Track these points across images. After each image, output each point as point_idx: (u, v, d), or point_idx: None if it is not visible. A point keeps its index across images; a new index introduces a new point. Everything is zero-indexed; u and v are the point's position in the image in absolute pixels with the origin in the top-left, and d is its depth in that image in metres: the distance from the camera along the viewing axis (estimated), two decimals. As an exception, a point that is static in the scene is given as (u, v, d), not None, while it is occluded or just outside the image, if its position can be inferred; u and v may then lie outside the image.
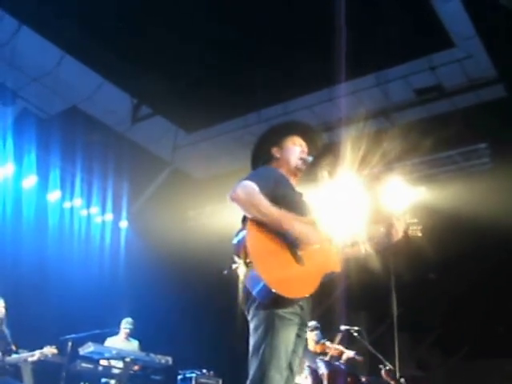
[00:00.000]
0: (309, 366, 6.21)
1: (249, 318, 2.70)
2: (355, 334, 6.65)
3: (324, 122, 8.00)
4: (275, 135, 3.17)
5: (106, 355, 6.51)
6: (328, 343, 6.49)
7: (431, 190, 7.67)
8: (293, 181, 3.06)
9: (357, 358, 6.54)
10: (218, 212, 9.05)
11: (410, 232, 3.21)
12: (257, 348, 2.58)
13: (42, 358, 6.03)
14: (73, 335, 6.46)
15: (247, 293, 2.67)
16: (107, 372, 6.61)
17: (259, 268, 2.54)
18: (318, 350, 6.51)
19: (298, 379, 5.47)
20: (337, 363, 6.44)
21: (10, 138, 7.77)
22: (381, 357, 6.47)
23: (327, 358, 6.42)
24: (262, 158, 3.14)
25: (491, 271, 9.04)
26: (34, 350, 6.09)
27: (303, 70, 6.89)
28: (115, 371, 6.59)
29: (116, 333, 7.58)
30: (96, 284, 8.23)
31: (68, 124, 7.95)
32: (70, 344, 6.30)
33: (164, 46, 6.90)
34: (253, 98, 7.52)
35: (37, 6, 6.47)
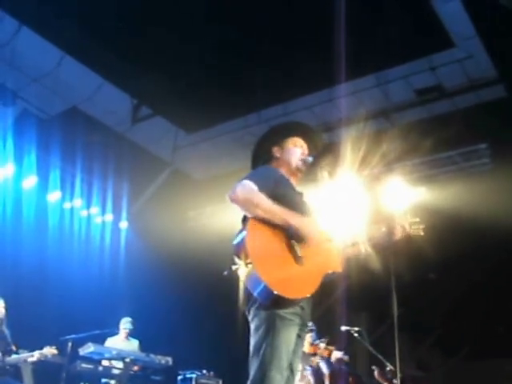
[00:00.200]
0: (311, 367, 6.22)
1: (249, 318, 2.70)
2: (356, 335, 6.65)
3: (324, 123, 7.99)
4: (276, 135, 3.17)
5: (106, 355, 6.52)
6: (322, 344, 6.50)
7: (431, 190, 7.66)
8: (293, 181, 3.06)
9: (344, 358, 6.56)
10: (218, 212, 9.05)
11: (411, 231, 3.21)
12: (257, 348, 2.58)
13: (42, 359, 6.03)
14: (73, 335, 6.45)
15: (248, 294, 2.67)
16: (107, 372, 6.61)
17: (259, 269, 2.54)
18: (311, 351, 6.51)
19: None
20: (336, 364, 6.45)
21: (10, 138, 7.77)
22: (381, 357, 6.47)
23: (318, 359, 6.44)
24: (262, 157, 3.14)
25: (491, 271, 9.05)
26: (34, 350, 6.08)
27: (303, 70, 6.88)
28: (115, 371, 6.60)
29: (116, 333, 7.58)
30: (96, 284, 8.23)
31: (68, 124, 7.95)
32: (70, 344, 6.29)
33: (164, 46, 6.89)
34: (253, 98, 7.52)
35: (37, 7, 6.46)
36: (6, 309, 6.23)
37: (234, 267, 2.75)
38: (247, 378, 2.60)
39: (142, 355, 6.65)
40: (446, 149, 7.73)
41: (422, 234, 3.23)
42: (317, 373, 6.23)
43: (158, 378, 6.97)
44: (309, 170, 3.15)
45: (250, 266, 2.57)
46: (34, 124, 7.90)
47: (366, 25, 6.24)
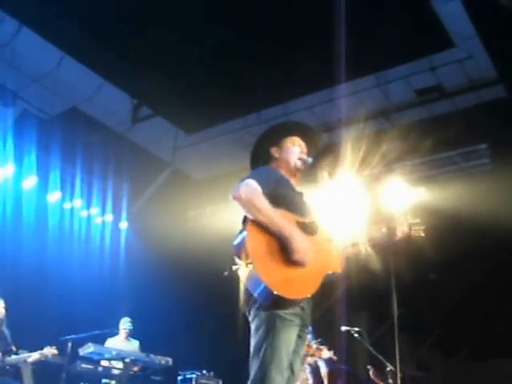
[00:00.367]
0: (310, 365, 6.23)
1: (250, 319, 2.70)
2: (356, 335, 6.66)
3: (324, 123, 7.99)
4: (274, 135, 3.17)
5: (106, 356, 6.51)
6: (314, 344, 6.51)
7: (431, 190, 7.66)
8: (293, 181, 3.06)
9: (333, 358, 6.58)
10: (219, 213, 9.05)
11: (412, 232, 3.20)
12: (258, 349, 2.58)
13: (43, 359, 6.03)
14: (73, 336, 6.45)
15: (248, 294, 2.67)
16: (107, 373, 6.61)
17: (260, 269, 2.54)
18: (305, 351, 6.53)
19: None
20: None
21: (11, 138, 7.77)
22: (381, 357, 6.47)
23: (316, 358, 6.48)
24: (261, 157, 3.14)
25: (491, 271, 9.04)
26: (34, 350, 6.10)
27: (303, 70, 6.88)
28: (115, 372, 6.59)
29: (116, 333, 7.58)
30: (96, 285, 8.23)
31: (68, 125, 7.95)
32: (70, 345, 6.29)
33: (164, 46, 6.89)
34: (253, 98, 7.52)
35: (37, 7, 6.46)
36: (6, 309, 6.23)
37: (234, 268, 2.75)
38: (247, 378, 2.60)
39: (142, 355, 6.65)
40: (446, 149, 7.73)
41: (422, 234, 3.22)
42: (315, 372, 6.25)
43: (157, 378, 6.97)
44: (309, 171, 3.15)
45: (250, 266, 2.57)
46: (34, 124, 7.90)
47: (365, 25, 6.23)
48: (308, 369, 6.20)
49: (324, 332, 6.74)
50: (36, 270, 7.62)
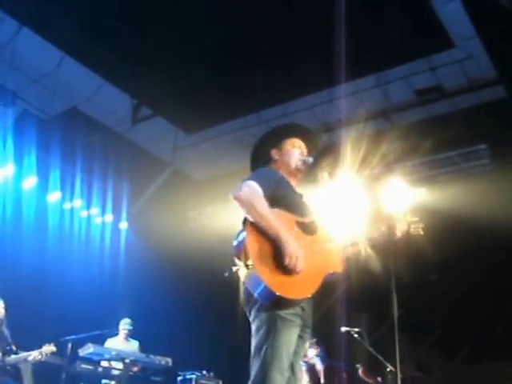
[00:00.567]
0: (306, 363, 6.26)
1: (251, 319, 2.71)
2: (356, 336, 6.66)
3: (324, 123, 7.99)
4: (275, 137, 3.18)
5: (106, 356, 6.52)
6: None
7: (431, 191, 7.65)
8: (293, 182, 3.07)
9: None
10: (219, 213, 9.04)
11: (411, 231, 3.20)
12: (258, 349, 2.58)
13: (43, 359, 6.01)
14: (73, 336, 6.45)
15: (248, 294, 2.67)
16: (107, 373, 6.61)
17: (260, 270, 2.54)
18: None
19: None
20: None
21: (11, 138, 7.77)
22: (381, 358, 6.48)
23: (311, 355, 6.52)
24: (261, 159, 3.15)
25: (491, 272, 9.03)
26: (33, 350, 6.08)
27: (303, 71, 6.88)
28: (115, 372, 6.60)
29: (116, 334, 7.57)
30: (96, 285, 8.22)
31: (68, 125, 7.95)
32: (69, 345, 6.30)
33: (164, 45, 6.89)
34: (253, 98, 7.51)
35: (37, 7, 6.46)
36: (6, 309, 6.23)
37: (234, 268, 2.75)
38: (247, 378, 2.60)
39: (142, 356, 6.65)
40: (446, 149, 7.72)
41: (421, 232, 3.23)
42: (312, 369, 6.27)
43: (157, 378, 6.96)
44: (309, 171, 3.16)
45: (250, 266, 2.57)
46: (34, 124, 7.89)
47: (366, 25, 6.23)
48: (304, 367, 6.22)
49: (324, 332, 6.74)
50: (36, 271, 7.61)
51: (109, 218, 9.48)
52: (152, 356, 6.58)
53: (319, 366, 6.42)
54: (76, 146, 8.32)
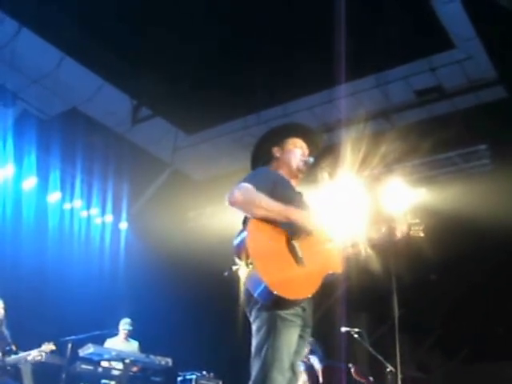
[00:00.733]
0: (304, 363, 6.25)
1: (251, 319, 2.70)
2: (356, 336, 6.66)
3: (324, 124, 7.99)
4: (276, 136, 3.18)
5: (106, 357, 6.51)
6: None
7: (431, 191, 7.65)
8: (293, 182, 3.06)
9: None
10: (218, 213, 9.04)
11: (412, 232, 3.20)
12: (259, 349, 2.58)
13: (43, 359, 6.01)
14: (73, 337, 6.45)
15: (248, 294, 2.67)
16: (107, 373, 6.61)
17: (260, 269, 2.53)
18: None
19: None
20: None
21: (11, 139, 7.77)
22: (381, 358, 6.47)
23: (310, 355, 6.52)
24: (262, 158, 3.14)
25: (491, 272, 9.04)
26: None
27: (303, 71, 6.87)
28: (115, 373, 6.59)
29: (115, 334, 7.57)
30: (96, 285, 8.22)
31: (68, 125, 7.95)
32: (69, 345, 6.29)
33: (164, 46, 6.88)
34: (253, 98, 7.51)
35: (37, 8, 6.46)
36: (6, 310, 6.22)
37: (234, 268, 2.75)
38: (247, 379, 2.60)
39: (142, 356, 6.64)
40: (446, 150, 7.72)
41: (421, 234, 3.22)
42: (310, 369, 6.27)
43: (157, 379, 6.96)
44: (309, 171, 3.15)
45: (250, 266, 2.57)
46: (34, 125, 7.89)
47: (366, 25, 6.23)
48: (302, 366, 6.22)
49: (324, 332, 6.74)
50: (36, 271, 7.61)
51: (109, 218, 9.48)
52: (152, 356, 6.58)
53: (318, 366, 6.41)
54: (76, 147, 8.32)
